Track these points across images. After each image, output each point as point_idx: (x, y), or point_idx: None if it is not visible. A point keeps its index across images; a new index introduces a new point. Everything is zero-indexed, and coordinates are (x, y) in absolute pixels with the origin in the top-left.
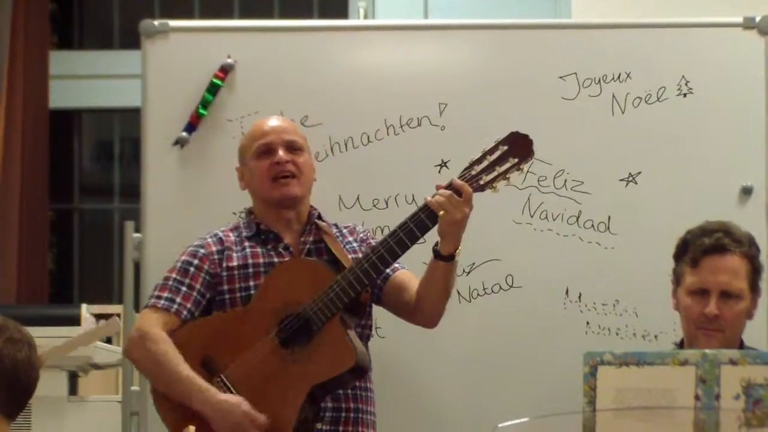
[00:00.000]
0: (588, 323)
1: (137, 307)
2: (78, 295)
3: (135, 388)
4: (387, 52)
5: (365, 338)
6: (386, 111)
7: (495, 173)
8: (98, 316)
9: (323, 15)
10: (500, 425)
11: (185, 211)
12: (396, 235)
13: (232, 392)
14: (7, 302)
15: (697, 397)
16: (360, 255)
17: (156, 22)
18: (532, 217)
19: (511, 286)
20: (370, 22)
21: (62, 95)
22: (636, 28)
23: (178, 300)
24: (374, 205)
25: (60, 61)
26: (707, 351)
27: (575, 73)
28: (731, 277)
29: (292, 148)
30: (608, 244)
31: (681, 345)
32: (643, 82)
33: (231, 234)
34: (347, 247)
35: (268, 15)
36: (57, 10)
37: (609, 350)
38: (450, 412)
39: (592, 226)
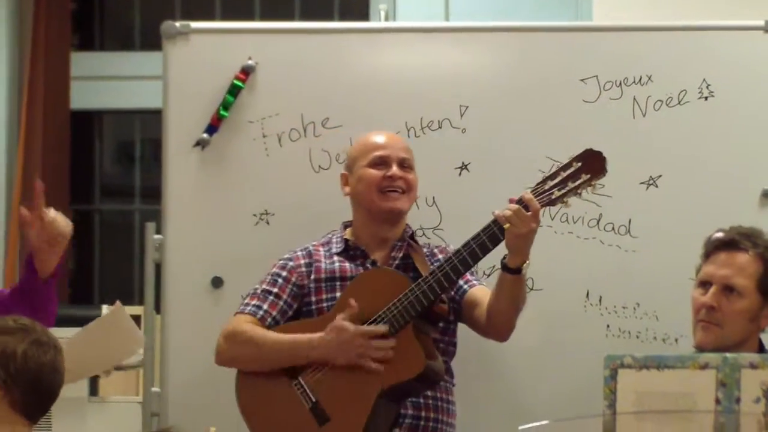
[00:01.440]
0: (608, 326)
1: (158, 309)
2: (98, 296)
3: (155, 389)
4: (408, 55)
5: (449, 354)
6: (407, 113)
7: (567, 188)
8: None
9: (344, 17)
10: (521, 428)
11: (206, 213)
12: (469, 246)
13: (308, 394)
14: None
15: (717, 401)
16: None
17: (177, 24)
18: (552, 220)
19: (532, 289)
20: (391, 24)
21: (83, 96)
22: (657, 31)
23: (265, 307)
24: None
25: (81, 62)
26: (727, 355)
27: (596, 76)
28: (735, 272)
29: (405, 165)
30: (629, 247)
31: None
32: (665, 85)
33: (321, 249)
34: (435, 265)
35: (289, 17)
36: (78, 12)
37: (629, 353)
38: (471, 415)
39: (613, 229)
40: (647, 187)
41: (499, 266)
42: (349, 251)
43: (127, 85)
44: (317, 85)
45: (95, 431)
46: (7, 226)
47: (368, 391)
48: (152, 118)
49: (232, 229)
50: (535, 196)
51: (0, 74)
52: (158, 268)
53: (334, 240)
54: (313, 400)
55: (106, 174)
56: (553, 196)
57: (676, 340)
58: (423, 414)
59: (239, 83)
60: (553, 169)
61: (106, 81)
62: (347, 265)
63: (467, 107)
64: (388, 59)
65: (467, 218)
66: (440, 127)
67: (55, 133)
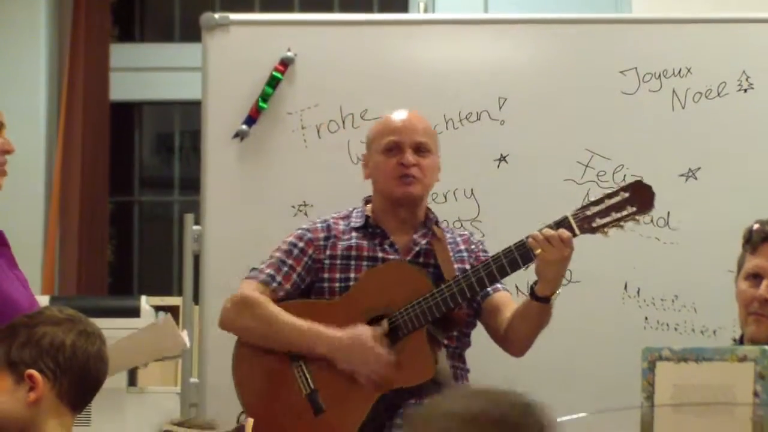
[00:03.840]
0: (647, 318)
1: (197, 299)
2: (137, 287)
3: (194, 380)
4: (447, 47)
5: (457, 356)
6: (445, 105)
7: (609, 218)
8: (157, 308)
9: (383, 9)
10: (558, 419)
11: (245, 204)
12: (498, 260)
13: (307, 381)
14: (67, 293)
15: (755, 394)
16: (467, 266)
17: (216, 15)
18: None
19: (570, 281)
20: (430, 16)
21: (123, 88)
22: (696, 23)
23: (279, 278)
24: (433, 200)
25: (121, 53)
26: (766, 347)
27: (635, 68)
28: None
29: (420, 149)
30: (667, 239)
31: (740, 341)
32: (704, 77)
33: (341, 222)
34: (456, 255)
35: (329, 8)
36: (118, 3)
37: (667, 346)
38: None
39: (652, 221)
40: (686, 179)
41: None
42: (368, 228)
43: (166, 77)
44: (356, 76)
45: (134, 421)
46: (47, 219)
47: (370, 392)
48: (191, 110)
49: (270, 221)
50: (576, 221)
51: (40, 66)
52: (197, 259)
53: (355, 214)
54: (312, 387)
55: (146, 165)
56: (594, 224)
57: (715, 332)
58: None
59: (278, 75)
60: (599, 195)
61: (146, 72)
62: (365, 243)
63: (506, 99)
64: (426, 51)
65: (505, 210)
66: (479, 119)
67: (94, 124)
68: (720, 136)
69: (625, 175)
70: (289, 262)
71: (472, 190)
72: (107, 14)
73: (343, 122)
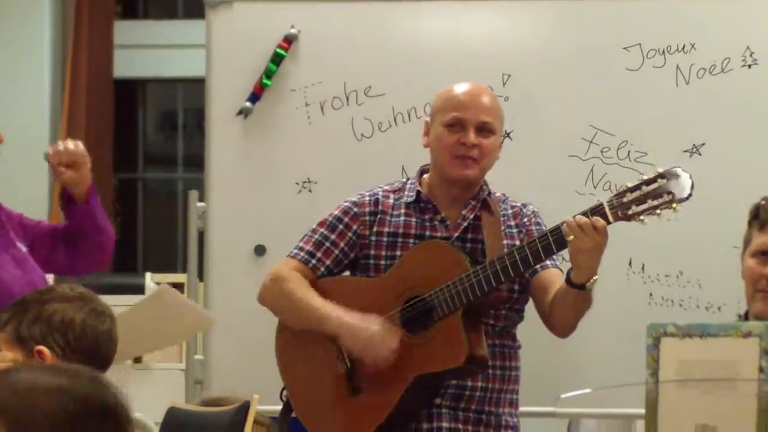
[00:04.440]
0: (651, 294)
1: (201, 276)
2: (142, 264)
3: (199, 356)
4: (450, 23)
5: (506, 332)
6: (449, 81)
7: (646, 206)
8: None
9: None
10: (563, 396)
11: (249, 181)
12: (533, 245)
13: (345, 359)
14: None
15: (761, 369)
16: (516, 242)
17: None
18: (595, 188)
19: None
20: None
21: (126, 65)
22: None
23: (319, 255)
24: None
25: (124, 30)
26: None
27: (639, 44)
28: None
29: (483, 129)
30: (671, 215)
31: (745, 317)
32: (708, 53)
33: (391, 196)
34: (506, 230)
35: None
36: None
37: (672, 322)
38: None
39: None
40: (690, 155)
41: None
42: (420, 203)
43: (170, 54)
44: (360, 53)
45: (139, 398)
46: (51, 196)
47: (404, 373)
48: (195, 87)
49: (274, 198)
50: (611, 208)
51: (44, 43)
52: (201, 236)
53: (407, 187)
54: (348, 365)
55: (150, 142)
56: (630, 212)
57: (719, 308)
58: (469, 383)
59: (282, 52)
60: (636, 181)
61: (150, 50)
62: (413, 220)
63: (510, 76)
64: (430, 28)
65: (511, 187)
66: None
67: (98, 101)
68: (724, 112)
69: (629, 152)
70: (332, 237)
71: None
72: None
73: (347, 99)
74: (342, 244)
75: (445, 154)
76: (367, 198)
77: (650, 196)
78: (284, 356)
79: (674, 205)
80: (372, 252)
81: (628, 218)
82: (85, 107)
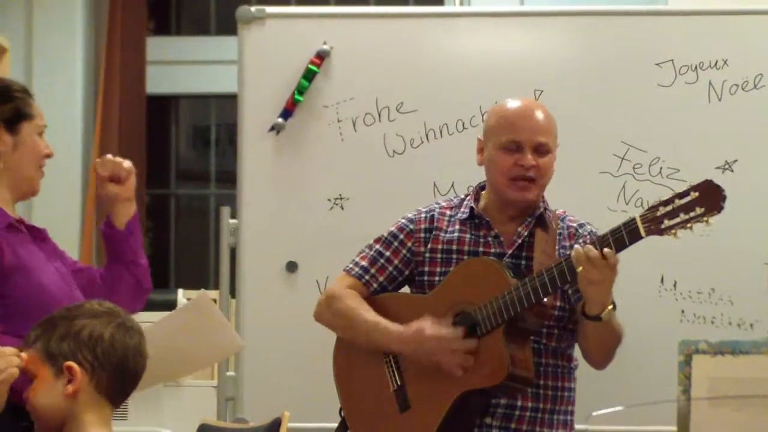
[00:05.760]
0: (683, 311)
1: (233, 293)
2: (174, 280)
3: (231, 373)
4: (482, 39)
5: (559, 352)
6: (481, 98)
7: (678, 219)
8: None
9: (419, 1)
10: (594, 413)
11: (281, 197)
12: (550, 272)
13: (395, 376)
14: None
15: None
16: None
17: (253, 9)
18: (627, 204)
19: None
20: (465, 8)
21: (159, 81)
22: (732, 15)
23: (372, 271)
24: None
25: (157, 47)
26: None
27: (672, 60)
28: None
29: (540, 149)
30: (704, 231)
31: None
32: (740, 69)
33: (447, 212)
34: (560, 250)
35: (364, 2)
36: None
37: (704, 339)
38: None
39: None
40: (723, 172)
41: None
42: (474, 219)
43: (202, 70)
44: (392, 69)
45: (170, 415)
46: (84, 213)
47: (450, 390)
48: (227, 103)
49: (306, 214)
50: (644, 222)
51: (77, 60)
52: (233, 252)
53: (463, 204)
54: (399, 383)
55: (182, 158)
56: (663, 226)
57: (752, 325)
58: (519, 404)
59: (314, 68)
60: (669, 195)
61: (182, 66)
62: (467, 236)
63: (542, 92)
64: (462, 44)
65: None
66: None
67: (131, 117)
68: (757, 128)
69: (661, 168)
70: (387, 254)
71: None
72: (143, 8)
73: (379, 115)
74: (396, 261)
75: (503, 177)
76: (424, 215)
77: (683, 209)
78: (341, 373)
79: (706, 218)
80: (426, 269)
81: (660, 233)
82: (117, 123)
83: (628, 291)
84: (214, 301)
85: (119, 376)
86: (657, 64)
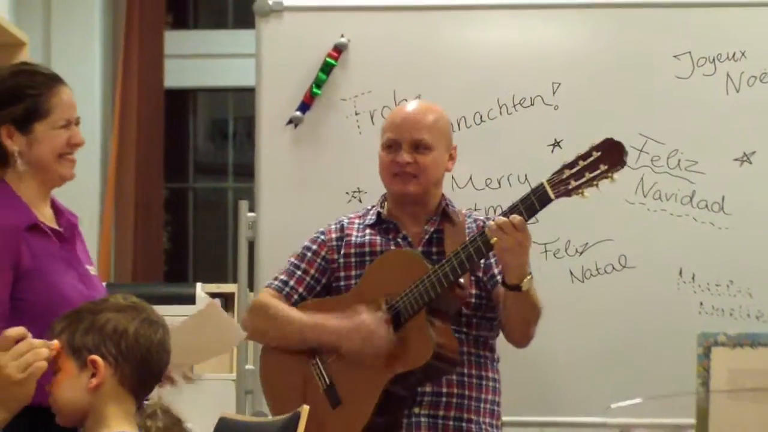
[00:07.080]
0: (701, 304)
1: (251, 286)
2: (192, 274)
3: (250, 366)
4: (500, 31)
5: (478, 341)
6: (499, 90)
7: (583, 179)
8: (213, 295)
9: None
10: (613, 405)
11: (299, 191)
12: (466, 248)
13: (323, 376)
14: (123, 281)
15: None
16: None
17: (270, 1)
18: (645, 197)
19: (624, 267)
20: (483, 1)
21: (177, 75)
22: (750, 6)
23: (291, 283)
24: (487, 185)
25: (175, 40)
26: None
27: (689, 52)
28: None
29: (419, 147)
30: (722, 224)
31: None
32: (758, 61)
33: (356, 221)
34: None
35: None
36: None
37: (723, 331)
38: (563, 392)
39: (706, 206)
40: (741, 164)
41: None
42: (381, 224)
43: (220, 63)
44: (409, 62)
45: (189, 408)
46: (102, 207)
47: (379, 378)
48: (245, 96)
49: (324, 207)
50: (552, 185)
51: (95, 53)
52: (251, 245)
53: (371, 212)
54: (328, 382)
55: (200, 152)
56: (570, 186)
57: None
58: (444, 390)
59: (332, 61)
60: (573, 158)
61: (200, 59)
62: (378, 239)
63: (560, 84)
64: (480, 36)
65: None
66: (532, 104)
67: (149, 111)
68: None
69: (679, 160)
70: (302, 266)
71: (526, 175)
72: (161, 2)
73: None
74: (312, 271)
75: (386, 173)
76: (333, 226)
77: (587, 168)
78: (268, 381)
79: (611, 174)
80: (342, 274)
81: (569, 193)
82: (135, 117)
83: (647, 283)
84: (233, 295)
85: (142, 370)
86: (675, 56)
